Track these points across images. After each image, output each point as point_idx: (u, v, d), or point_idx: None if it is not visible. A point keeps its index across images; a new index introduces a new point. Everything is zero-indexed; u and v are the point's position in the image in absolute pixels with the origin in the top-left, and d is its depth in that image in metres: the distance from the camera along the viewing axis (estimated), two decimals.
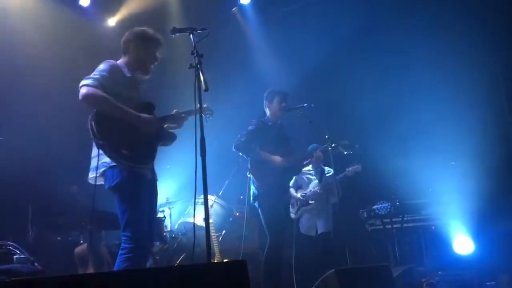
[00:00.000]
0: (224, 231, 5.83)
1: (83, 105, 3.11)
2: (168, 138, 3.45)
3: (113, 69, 3.23)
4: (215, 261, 5.01)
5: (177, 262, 5.38)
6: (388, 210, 5.74)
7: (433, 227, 5.74)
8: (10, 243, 3.59)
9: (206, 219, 2.72)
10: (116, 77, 3.22)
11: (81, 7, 6.27)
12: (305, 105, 4.75)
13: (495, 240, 5.38)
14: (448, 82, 6.19)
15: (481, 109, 6.01)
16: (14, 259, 3.47)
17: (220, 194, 6.01)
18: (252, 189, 4.73)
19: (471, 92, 6.00)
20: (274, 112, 4.84)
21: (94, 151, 3.18)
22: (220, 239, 5.58)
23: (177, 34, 3.17)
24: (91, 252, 4.43)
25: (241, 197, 5.86)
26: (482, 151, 5.70)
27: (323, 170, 5.68)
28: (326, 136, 4.75)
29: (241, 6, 7.03)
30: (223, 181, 6.13)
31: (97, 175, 3.12)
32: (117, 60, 3.40)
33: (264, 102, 4.89)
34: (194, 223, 3.30)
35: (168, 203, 5.95)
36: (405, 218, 5.81)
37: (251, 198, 4.76)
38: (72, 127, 4.95)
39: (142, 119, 3.23)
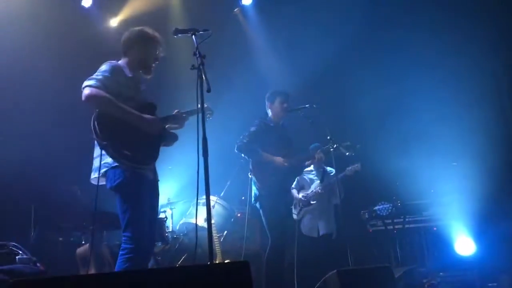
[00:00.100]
0: (225, 232, 5.83)
1: (85, 106, 3.12)
2: (170, 139, 3.46)
3: (115, 70, 3.24)
4: (217, 262, 5.01)
5: (179, 262, 5.38)
6: (390, 211, 5.74)
7: (435, 228, 5.74)
8: (12, 243, 3.60)
9: (209, 220, 2.73)
10: (118, 77, 3.23)
11: (83, 8, 6.27)
12: (307, 106, 4.76)
13: (497, 241, 5.37)
14: (450, 82, 6.19)
15: (483, 109, 6.00)
16: (17, 259, 3.48)
17: (221, 194, 6.01)
18: (254, 190, 4.74)
19: (473, 92, 6.00)
20: (276, 113, 4.85)
21: (97, 151, 3.18)
22: (221, 240, 5.58)
23: (179, 35, 3.18)
24: (93, 253, 4.43)
25: (243, 198, 5.86)
26: (484, 152, 5.70)
27: (325, 171, 5.68)
28: (328, 137, 4.75)
29: (243, 7, 7.04)
30: (224, 181, 6.13)
31: (99, 175, 3.13)
32: (118, 60, 3.41)
33: (266, 103, 4.90)
34: (196, 224, 3.30)
35: (169, 203, 5.95)
36: (406, 219, 5.80)
37: (253, 199, 4.77)
38: (74, 128, 4.95)
39: (145, 119, 3.23)
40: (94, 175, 3.19)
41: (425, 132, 6.19)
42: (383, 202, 5.80)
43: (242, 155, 4.78)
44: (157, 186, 3.39)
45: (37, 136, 5.46)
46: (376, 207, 5.81)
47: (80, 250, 4.71)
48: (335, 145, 4.75)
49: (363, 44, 6.64)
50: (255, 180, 4.69)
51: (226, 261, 5.09)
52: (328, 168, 5.72)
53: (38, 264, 3.56)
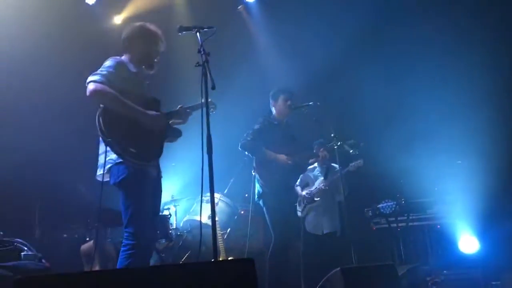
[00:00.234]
0: (229, 229, 5.84)
1: (90, 102, 3.12)
2: (174, 134, 3.46)
3: (119, 65, 3.24)
4: (221, 259, 5.02)
5: (182, 259, 5.39)
6: (393, 208, 5.72)
7: (438, 226, 5.72)
8: (17, 240, 3.62)
9: (213, 217, 2.73)
10: (122, 73, 3.23)
11: (87, 5, 6.27)
12: (310, 103, 4.75)
13: (501, 239, 5.35)
14: (455, 80, 6.16)
15: (488, 108, 5.97)
16: (22, 256, 3.50)
17: (225, 192, 6.01)
18: (257, 187, 4.74)
19: (478, 91, 5.97)
20: (279, 111, 4.85)
21: (102, 148, 3.19)
22: (225, 237, 5.59)
23: (184, 32, 3.18)
24: (97, 250, 4.45)
25: (246, 195, 5.86)
26: (488, 150, 5.67)
27: (329, 167, 5.67)
28: (332, 135, 4.75)
29: (246, 4, 7.03)
30: (228, 179, 6.14)
31: (104, 172, 3.13)
32: (121, 56, 3.41)
33: (270, 101, 4.90)
34: (200, 221, 3.30)
35: (173, 200, 5.96)
36: (410, 217, 5.79)
37: (256, 197, 4.77)
38: (78, 125, 4.97)
39: (149, 116, 3.24)
40: (99, 171, 3.19)
41: (429, 130, 6.17)
42: (387, 200, 5.79)
43: (246, 153, 4.78)
44: (160, 183, 3.40)
45: (42, 133, 5.47)
46: (380, 205, 5.80)
47: (84, 246, 4.73)
48: (339, 143, 4.75)
49: (368, 42, 6.61)
50: (259, 178, 4.69)
51: (230, 258, 5.10)
52: (334, 165, 5.71)
53: (43, 261, 3.58)
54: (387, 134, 6.12)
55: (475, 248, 5.52)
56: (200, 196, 3.05)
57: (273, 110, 4.89)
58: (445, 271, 5.37)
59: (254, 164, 4.79)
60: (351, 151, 4.98)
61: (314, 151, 5.39)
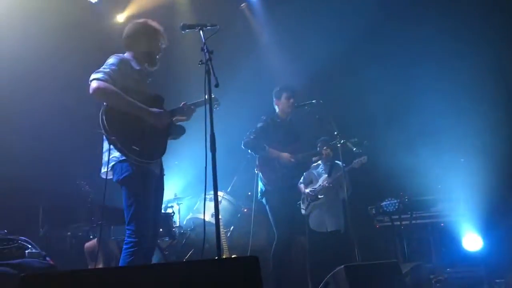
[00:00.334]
0: (232, 227, 5.85)
1: (92, 101, 3.12)
2: (177, 132, 3.46)
3: (122, 63, 3.24)
4: (224, 257, 5.03)
5: (186, 257, 5.40)
6: (397, 206, 5.71)
7: (442, 224, 5.71)
8: (22, 237, 3.63)
9: (216, 215, 2.73)
10: (126, 70, 3.23)
11: (90, 3, 6.28)
12: (313, 101, 4.75)
13: (504, 237, 5.34)
14: (458, 79, 6.14)
15: (491, 106, 5.95)
16: (26, 254, 3.50)
17: (228, 190, 6.02)
18: (260, 185, 4.75)
19: (481, 89, 5.95)
20: (282, 109, 4.85)
21: (105, 145, 3.19)
22: (228, 235, 5.59)
23: (187, 30, 3.17)
24: (101, 247, 4.46)
25: (249, 193, 5.86)
26: (491, 148, 5.66)
27: (333, 165, 5.65)
28: (335, 133, 4.74)
29: (249, 2, 7.03)
30: (231, 177, 6.14)
31: (108, 169, 3.14)
32: (123, 54, 3.41)
33: (273, 99, 4.90)
34: (204, 219, 3.30)
35: (176, 198, 5.96)
36: (413, 215, 5.77)
37: (259, 195, 4.78)
38: (82, 123, 4.98)
39: (153, 113, 3.24)
40: (103, 169, 3.20)
41: (432, 128, 6.15)
42: (390, 198, 5.78)
43: (249, 151, 4.78)
44: (162, 181, 3.40)
45: (45, 131, 5.48)
46: (383, 203, 5.79)
47: (88, 244, 4.74)
48: (342, 141, 4.75)
49: (371, 40, 6.59)
50: (262, 176, 4.70)
51: (233, 256, 5.11)
52: (337, 162, 5.71)
53: (47, 259, 3.58)
54: (390, 132, 6.12)
55: (479, 246, 5.51)
56: (203, 194, 3.05)
57: (276, 108, 4.89)
58: (448, 269, 5.36)
59: (257, 162, 4.80)
60: (354, 149, 4.97)
61: (318, 149, 5.39)
